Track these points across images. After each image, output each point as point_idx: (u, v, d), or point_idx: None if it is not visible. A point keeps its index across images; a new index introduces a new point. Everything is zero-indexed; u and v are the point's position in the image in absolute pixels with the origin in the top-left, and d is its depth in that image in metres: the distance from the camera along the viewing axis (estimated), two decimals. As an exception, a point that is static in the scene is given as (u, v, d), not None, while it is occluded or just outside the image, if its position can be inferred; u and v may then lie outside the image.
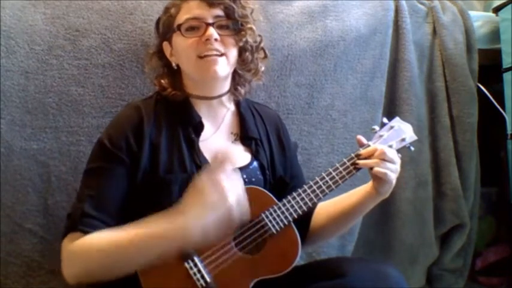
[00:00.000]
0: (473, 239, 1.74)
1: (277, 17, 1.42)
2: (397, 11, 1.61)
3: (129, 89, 1.29)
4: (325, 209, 1.13)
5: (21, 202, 1.22)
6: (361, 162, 1.01)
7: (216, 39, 1.00)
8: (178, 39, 1.04)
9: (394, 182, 1.01)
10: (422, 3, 1.70)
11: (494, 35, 1.73)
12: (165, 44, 1.09)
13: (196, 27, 1.02)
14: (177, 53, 1.06)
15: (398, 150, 1.06)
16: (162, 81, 1.09)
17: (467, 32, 1.69)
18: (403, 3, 1.63)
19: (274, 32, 1.40)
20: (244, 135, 1.11)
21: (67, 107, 1.25)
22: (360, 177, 1.09)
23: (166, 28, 1.08)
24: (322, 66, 1.46)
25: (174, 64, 1.08)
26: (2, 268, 1.21)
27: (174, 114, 1.05)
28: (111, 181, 0.96)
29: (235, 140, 1.11)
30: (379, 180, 1.00)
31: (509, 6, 1.66)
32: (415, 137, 1.10)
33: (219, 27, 1.02)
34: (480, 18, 1.76)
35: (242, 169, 1.05)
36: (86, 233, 0.91)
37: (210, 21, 1.01)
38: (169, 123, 1.03)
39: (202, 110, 1.08)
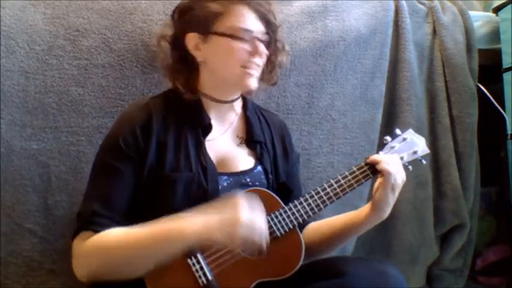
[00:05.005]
0: (473, 239, 1.74)
1: (277, 17, 1.41)
2: (397, 11, 1.61)
3: (129, 89, 1.29)
4: (322, 225, 1.13)
5: (21, 202, 1.22)
6: (369, 159, 1.02)
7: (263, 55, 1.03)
8: (223, 41, 1.00)
9: (394, 199, 1.00)
10: (422, 3, 1.70)
11: (494, 35, 1.73)
12: (192, 36, 1.03)
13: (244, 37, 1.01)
14: (213, 52, 1.02)
15: (410, 163, 1.05)
16: (177, 79, 1.08)
17: (467, 32, 1.69)
18: (403, 3, 1.63)
19: (274, 32, 1.41)
20: (249, 139, 1.11)
21: (67, 107, 1.25)
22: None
23: (203, 21, 1.01)
24: (322, 66, 1.46)
25: (198, 59, 1.05)
26: (2, 268, 1.20)
27: (183, 114, 1.05)
28: (120, 179, 0.96)
29: (241, 143, 1.11)
30: (382, 183, 0.99)
31: (509, 6, 1.66)
32: (427, 151, 1.08)
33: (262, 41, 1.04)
34: (480, 18, 1.76)
35: (246, 173, 1.06)
36: (97, 232, 0.91)
37: (262, 37, 1.03)
38: (177, 122, 1.03)
39: (212, 111, 1.08)
